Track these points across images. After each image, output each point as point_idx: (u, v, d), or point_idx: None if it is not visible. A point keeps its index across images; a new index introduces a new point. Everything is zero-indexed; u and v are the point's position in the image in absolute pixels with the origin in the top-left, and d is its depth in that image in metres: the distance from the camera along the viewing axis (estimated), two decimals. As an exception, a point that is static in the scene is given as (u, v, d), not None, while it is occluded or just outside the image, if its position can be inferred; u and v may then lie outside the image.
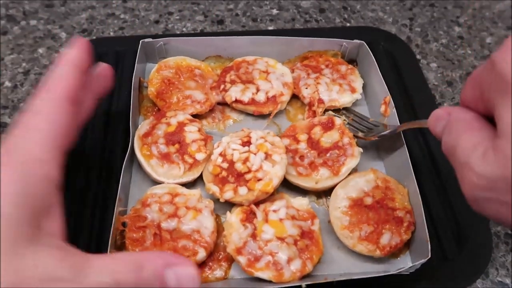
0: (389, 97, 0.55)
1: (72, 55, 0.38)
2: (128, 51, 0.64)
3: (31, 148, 0.32)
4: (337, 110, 0.60)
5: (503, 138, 0.26)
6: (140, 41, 0.59)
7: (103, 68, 0.45)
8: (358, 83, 0.61)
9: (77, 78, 0.37)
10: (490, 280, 0.49)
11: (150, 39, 0.61)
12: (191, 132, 0.52)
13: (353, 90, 0.60)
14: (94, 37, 0.73)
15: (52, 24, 0.76)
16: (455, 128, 0.32)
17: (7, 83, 0.66)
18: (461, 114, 0.33)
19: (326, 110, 0.59)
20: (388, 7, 0.81)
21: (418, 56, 0.72)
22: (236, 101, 0.57)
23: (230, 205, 0.49)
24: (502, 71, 0.27)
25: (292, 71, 0.62)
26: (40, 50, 0.71)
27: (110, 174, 0.51)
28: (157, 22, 0.77)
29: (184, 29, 0.76)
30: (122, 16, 0.78)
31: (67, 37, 0.74)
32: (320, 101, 0.58)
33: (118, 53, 0.65)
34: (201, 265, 0.45)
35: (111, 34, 0.74)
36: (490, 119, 0.30)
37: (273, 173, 0.47)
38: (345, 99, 0.59)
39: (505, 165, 0.25)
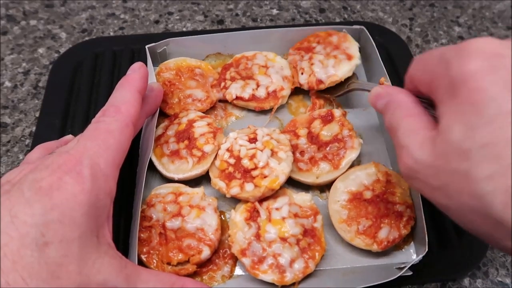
0: (383, 79, 0.53)
1: (136, 81, 0.43)
2: (125, 51, 0.64)
3: (100, 163, 0.35)
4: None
5: (441, 136, 0.30)
6: (146, 47, 0.59)
7: (155, 90, 0.50)
8: (353, 49, 0.57)
9: (140, 103, 0.42)
10: (490, 280, 0.49)
11: (154, 44, 0.60)
12: (200, 127, 0.52)
13: (349, 57, 0.56)
14: (94, 37, 0.73)
15: (52, 24, 0.75)
16: (397, 111, 0.36)
17: (7, 83, 0.66)
18: (402, 97, 0.37)
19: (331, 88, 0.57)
20: (388, 7, 0.81)
21: (418, 56, 0.72)
22: (237, 98, 0.57)
23: (234, 201, 0.49)
24: (455, 76, 0.29)
25: (286, 58, 0.61)
26: (40, 50, 0.71)
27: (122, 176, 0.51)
28: (157, 22, 0.77)
29: (184, 29, 0.76)
30: (122, 16, 0.77)
31: (67, 37, 0.73)
32: (319, 82, 0.56)
33: (116, 53, 0.65)
34: (207, 262, 0.45)
35: (111, 34, 0.74)
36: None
37: (280, 170, 0.47)
38: (344, 69, 0.56)
39: (437, 158, 0.30)
